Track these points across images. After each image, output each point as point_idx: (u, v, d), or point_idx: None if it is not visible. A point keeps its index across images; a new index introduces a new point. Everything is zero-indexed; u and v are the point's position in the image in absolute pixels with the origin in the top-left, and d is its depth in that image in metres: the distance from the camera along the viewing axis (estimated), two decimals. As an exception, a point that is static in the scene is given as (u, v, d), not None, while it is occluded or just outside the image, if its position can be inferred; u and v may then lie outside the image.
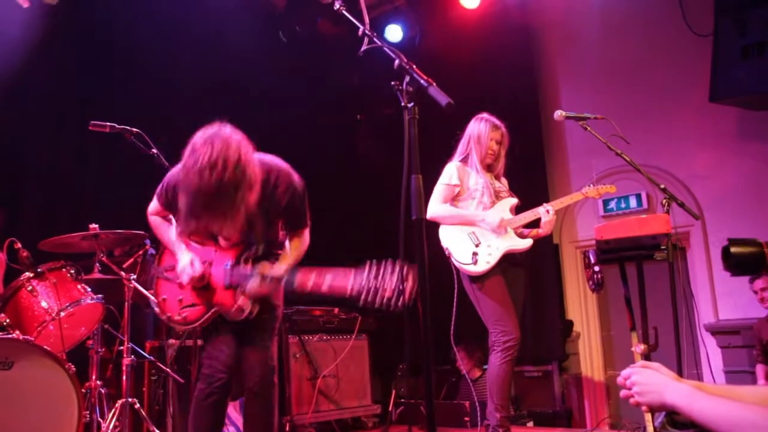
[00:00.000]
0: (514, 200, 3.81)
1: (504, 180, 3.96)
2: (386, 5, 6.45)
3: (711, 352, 4.11)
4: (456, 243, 3.62)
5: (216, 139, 2.23)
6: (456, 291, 3.66)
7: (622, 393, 1.40)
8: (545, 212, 3.68)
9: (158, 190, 2.74)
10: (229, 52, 5.42)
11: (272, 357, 2.72)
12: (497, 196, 3.76)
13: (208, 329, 2.72)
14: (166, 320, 2.75)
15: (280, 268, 2.51)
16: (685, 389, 1.26)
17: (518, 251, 3.65)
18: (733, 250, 1.65)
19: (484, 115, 3.88)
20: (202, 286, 2.62)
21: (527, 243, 3.65)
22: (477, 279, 3.56)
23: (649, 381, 1.33)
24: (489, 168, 3.84)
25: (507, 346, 3.48)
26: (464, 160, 3.79)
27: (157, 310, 2.78)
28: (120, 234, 3.46)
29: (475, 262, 3.54)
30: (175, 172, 2.61)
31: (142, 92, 4.95)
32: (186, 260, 2.61)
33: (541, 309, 5.73)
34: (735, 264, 1.64)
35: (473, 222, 3.64)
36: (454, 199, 3.73)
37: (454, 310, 3.68)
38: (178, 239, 2.72)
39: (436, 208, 3.68)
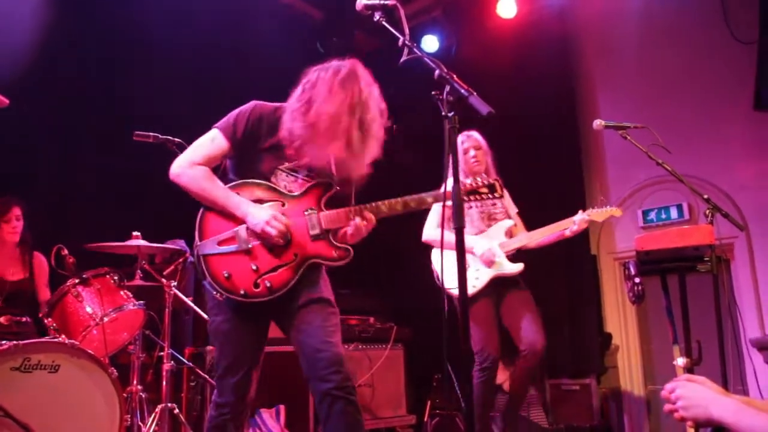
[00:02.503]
0: (510, 222, 3.80)
1: (505, 193, 3.90)
2: (423, 16, 6.49)
3: (758, 368, 3.98)
4: (445, 267, 3.62)
5: (363, 72, 2.28)
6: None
7: (666, 407, 1.37)
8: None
9: (225, 122, 2.38)
10: (267, 63, 5.52)
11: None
12: (491, 219, 3.75)
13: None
14: (241, 298, 2.26)
15: (374, 204, 2.35)
16: (733, 404, 1.23)
17: (506, 275, 3.65)
18: None
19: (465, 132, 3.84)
20: (283, 243, 2.30)
21: (517, 267, 3.68)
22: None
23: (695, 395, 1.30)
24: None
25: (482, 368, 3.55)
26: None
27: (218, 293, 2.28)
28: (161, 247, 3.54)
29: None
30: (258, 104, 2.41)
31: (182, 103, 5.07)
32: (265, 213, 2.25)
33: (578, 321, 5.65)
34: None
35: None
36: (448, 220, 3.69)
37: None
38: (234, 194, 2.32)
39: (430, 231, 3.73)
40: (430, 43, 6.40)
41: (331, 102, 2.19)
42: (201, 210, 2.36)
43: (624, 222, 5.87)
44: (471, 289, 3.56)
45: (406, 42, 1.92)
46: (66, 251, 3.39)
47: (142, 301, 3.52)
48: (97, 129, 4.87)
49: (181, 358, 3.88)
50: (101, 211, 4.76)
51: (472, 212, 3.72)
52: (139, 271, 3.63)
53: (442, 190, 2.03)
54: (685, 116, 5.46)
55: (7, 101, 2.67)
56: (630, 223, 5.81)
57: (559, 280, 5.75)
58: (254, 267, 2.28)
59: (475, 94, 1.63)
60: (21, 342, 2.77)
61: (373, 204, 2.35)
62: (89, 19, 4.83)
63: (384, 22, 2.04)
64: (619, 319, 5.85)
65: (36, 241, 3.98)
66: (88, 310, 3.31)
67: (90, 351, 2.98)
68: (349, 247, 2.36)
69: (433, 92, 1.71)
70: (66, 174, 4.75)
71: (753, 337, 4.86)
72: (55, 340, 3.00)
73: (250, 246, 2.28)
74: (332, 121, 2.18)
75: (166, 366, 3.46)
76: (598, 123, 3.57)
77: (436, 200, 2.36)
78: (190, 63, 5.26)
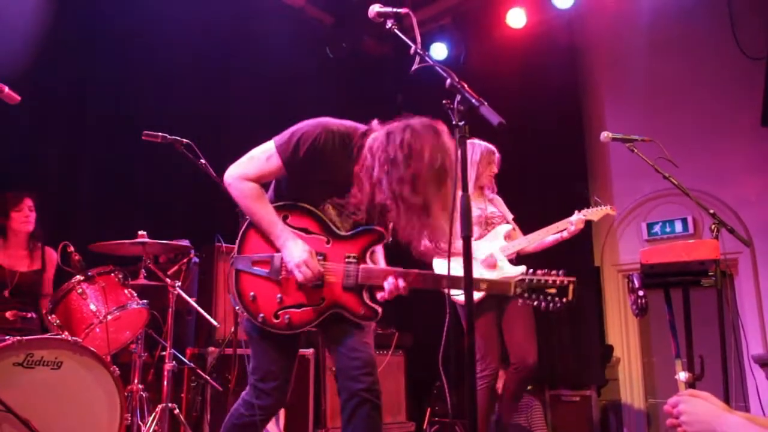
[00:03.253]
0: (508, 227, 3.80)
1: (499, 199, 3.91)
2: (432, 23, 6.51)
3: (760, 384, 3.97)
4: (445, 272, 3.60)
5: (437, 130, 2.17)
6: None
7: (669, 422, 1.36)
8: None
9: (285, 143, 2.23)
10: (277, 66, 5.55)
11: None
12: (489, 224, 3.75)
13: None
14: (259, 323, 2.24)
15: (420, 273, 2.24)
16: (738, 421, 1.23)
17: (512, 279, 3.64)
18: None
19: (475, 140, 3.81)
20: (314, 284, 2.24)
21: (519, 270, 3.65)
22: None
23: (699, 411, 1.30)
24: (480, 188, 3.82)
25: (482, 375, 3.56)
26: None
27: (240, 309, 2.27)
28: (166, 245, 3.55)
29: None
30: (327, 129, 2.24)
31: (191, 105, 5.09)
32: (300, 255, 2.18)
33: (580, 332, 5.63)
34: None
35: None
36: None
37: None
38: (279, 221, 2.24)
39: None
40: (439, 51, 6.43)
41: (428, 160, 2.10)
42: (246, 223, 2.33)
43: (628, 234, 5.87)
44: (475, 296, 3.54)
45: (418, 50, 1.92)
46: (72, 248, 3.40)
47: (145, 300, 3.52)
48: (103, 128, 4.90)
49: (182, 358, 3.88)
50: (106, 211, 4.78)
51: (473, 219, 3.71)
52: (143, 270, 3.64)
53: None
54: (691, 130, 5.47)
55: (19, 98, 2.68)
56: (634, 235, 5.81)
57: (561, 290, 5.72)
58: (280, 298, 2.25)
59: (486, 104, 1.63)
60: (24, 338, 2.77)
61: (416, 272, 2.26)
62: (97, 18, 4.85)
63: (396, 30, 2.05)
64: (621, 331, 5.83)
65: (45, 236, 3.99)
66: (92, 307, 3.32)
67: (92, 348, 2.98)
68: (378, 309, 2.27)
69: (444, 101, 1.71)
70: (72, 173, 4.77)
71: (756, 353, 4.85)
72: (58, 336, 3.00)
73: (280, 277, 2.25)
74: (423, 179, 2.10)
75: (168, 366, 3.46)
76: (605, 135, 3.57)
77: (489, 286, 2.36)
78: (198, 64, 5.30)
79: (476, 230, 3.71)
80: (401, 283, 2.22)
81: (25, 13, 4.37)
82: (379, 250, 2.47)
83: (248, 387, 2.37)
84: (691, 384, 3.03)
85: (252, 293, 2.25)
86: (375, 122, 2.29)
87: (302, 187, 2.30)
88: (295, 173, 2.27)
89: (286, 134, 2.27)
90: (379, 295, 2.26)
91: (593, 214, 3.85)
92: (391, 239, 2.33)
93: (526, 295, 2.22)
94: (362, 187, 2.19)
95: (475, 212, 3.71)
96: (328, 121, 2.29)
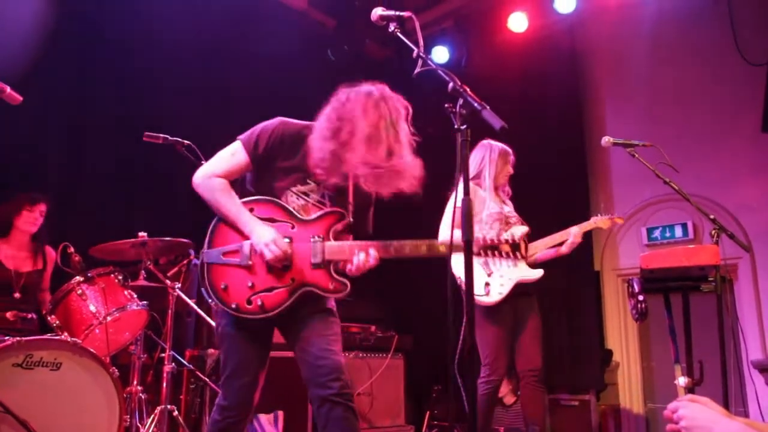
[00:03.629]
0: (525, 228, 3.78)
1: (509, 203, 3.91)
2: (434, 27, 6.52)
3: (759, 389, 3.96)
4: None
5: (391, 94, 2.31)
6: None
7: (669, 427, 1.36)
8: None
9: (248, 137, 2.40)
10: (278, 69, 5.56)
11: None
12: (507, 222, 3.74)
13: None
14: (233, 312, 2.29)
15: (382, 243, 2.30)
16: (738, 426, 1.22)
17: (529, 281, 3.64)
18: None
19: (491, 140, 3.84)
20: (283, 266, 2.31)
21: (538, 273, 3.65)
22: (486, 309, 3.54)
23: (698, 416, 1.29)
24: (496, 188, 3.82)
25: (489, 380, 3.52)
26: (475, 179, 3.76)
27: (214, 302, 2.32)
28: (167, 242, 3.55)
29: (487, 293, 3.53)
30: (284, 122, 2.42)
31: (192, 107, 5.10)
32: (268, 235, 2.27)
33: (579, 336, 5.63)
34: None
35: None
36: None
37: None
38: (245, 210, 2.35)
39: (447, 233, 3.67)
40: (441, 54, 6.43)
41: (364, 121, 2.22)
42: (215, 219, 2.41)
43: (628, 239, 5.87)
44: (497, 296, 3.52)
45: (421, 54, 1.93)
46: (72, 249, 3.41)
47: (145, 302, 3.52)
48: (104, 129, 4.90)
49: (181, 360, 3.88)
50: (107, 212, 4.78)
51: (490, 213, 3.69)
52: (143, 271, 3.64)
53: (451, 199, 2.00)
54: (692, 135, 5.47)
55: (20, 98, 2.69)
56: (634, 240, 5.81)
57: (561, 294, 5.74)
58: (250, 284, 2.30)
59: (488, 108, 1.63)
60: (24, 338, 2.78)
61: (382, 243, 2.32)
62: (98, 20, 4.87)
63: (398, 33, 2.06)
64: (621, 335, 5.83)
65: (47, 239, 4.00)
66: (92, 308, 3.32)
67: (92, 350, 2.98)
68: (347, 282, 2.32)
69: (446, 105, 1.72)
70: (73, 173, 4.78)
71: (755, 358, 4.84)
72: (58, 337, 3.01)
73: (250, 263, 2.30)
74: (366, 139, 2.20)
75: (167, 367, 3.45)
76: (606, 140, 3.57)
77: (448, 249, 2.32)
78: (200, 67, 5.31)
79: (497, 226, 3.68)
80: (362, 256, 2.27)
81: (26, 14, 4.38)
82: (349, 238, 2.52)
83: (220, 391, 2.41)
84: (690, 389, 3.03)
85: (223, 284, 2.31)
86: None
87: (265, 179, 2.41)
88: (258, 166, 2.40)
89: (248, 131, 2.44)
90: (347, 268, 2.31)
91: (603, 222, 3.87)
92: (351, 219, 2.41)
93: (481, 252, 2.26)
94: (316, 163, 2.33)
95: (495, 209, 3.69)
96: (287, 118, 2.47)
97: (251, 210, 2.36)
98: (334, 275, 2.32)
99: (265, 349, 2.43)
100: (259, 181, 2.43)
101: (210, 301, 2.32)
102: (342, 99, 2.32)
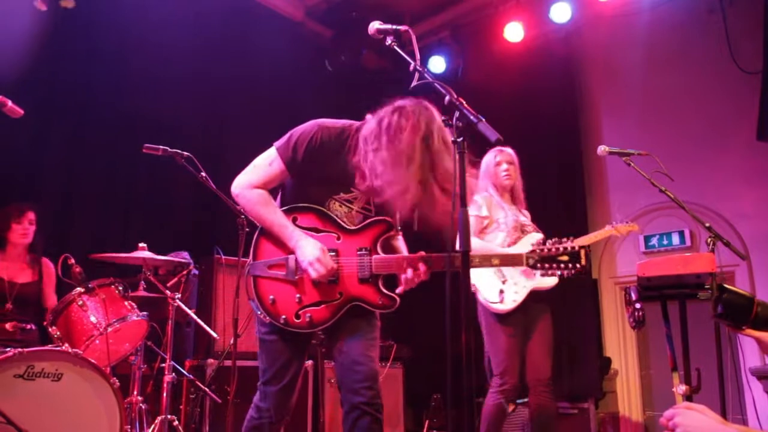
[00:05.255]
0: (540, 235, 3.78)
1: (527, 212, 3.94)
2: (430, 37, 6.57)
3: (757, 397, 3.97)
4: (482, 279, 3.60)
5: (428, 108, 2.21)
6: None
7: (665, 434, 1.38)
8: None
9: (285, 144, 2.31)
10: (276, 79, 5.60)
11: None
12: (523, 231, 3.75)
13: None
14: (282, 325, 2.27)
15: (428, 257, 2.24)
16: (733, 433, 1.24)
17: (544, 289, 3.64)
18: (725, 295, 1.70)
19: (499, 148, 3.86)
20: (329, 280, 2.28)
21: (553, 281, 3.63)
22: (499, 316, 3.54)
23: (695, 423, 1.31)
24: (511, 196, 3.83)
25: (502, 389, 3.49)
26: (483, 190, 3.78)
27: (261, 314, 2.29)
28: (165, 260, 3.56)
29: (501, 300, 3.53)
30: (322, 126, 2.31)
31: (190, 116, 5.13)
32: (313, 252, 2.21)
33: (578, 345, 5.63)
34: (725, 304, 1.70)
35: None
36: (481, 231, 3.70)
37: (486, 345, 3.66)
38: (288, 222, 2.28)
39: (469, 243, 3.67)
40: (437, 64, 6.48)
41: (413, 148, 2.15)
42: (258, 231, 2.37)
43: (625, 247, 5.89)
44: (512, 304, 3.52)
45: (418, 67, 1.96)
46: (73, 260, 3.42)
47: (145, 312, 3.53)
48: (103, 139, 4.92)
49: (181, 370, 3.88)
50: (106, 221, 4.80)
51: (507, 220, 3.70)
52: (143, 282, 3.66)
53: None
54: (688, 144, 5.51)
55: (22, 112, 2.71)
56: (631, 248, 5.83)
57: (559, 302, 5.73)
58: (298, 297, 2.28)
59: (484, 120, 1.66)
60: (25, 350, 2.79)
61: (430, 256, 2.28)
62: (96, 30, 4.89)
63: (395, 47, 2.08)
64: (619, 343, 5.84)
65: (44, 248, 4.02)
66: (92, 319, 3.33)
67: (93, 360, 2.99)
68: (396, 297, 2.30)
69: (442, 117, 1.74)
70: (72, 183, 4.79)
71: (752, 366, 4.85)
72: (59, 348, 3.02)
73: (296, 277, 2.28)
74: (412, 167, 2.14)
75: (167, 378, 3.46)
76: (602, 149, 3.60)
77: (503, 263, 2.39)
78: (198, 77, 5.34)
79: (512, 235, 3.68)
80: (410, 273, 2.24)
81: (25, 24, 4.41)
82: (400, 240, 2.50)
83: (257, 391, 2.42)
84: (688, 397, 3.04)
85: (271, 297, 2.28)
86: (368, 116, 2.35)
87: (306, 187, 2.35)
88: (297, 174, 2.33)
89: (284, 138, 2.35)
90: (398, 290, 2.29)
91: (621, 228, 3.88)
92: (400, 227, 2.38)
93: (539, 265, 2.27)
94: (363, 176, 2.26)
95: (511, 217, 3.70)
96: (324, 120, 2.37)
97: (294, 219, 2.32)
98: (383, 290, 2.30)
99: (302, 354, 2.42)
100: (299, 188, 2.37)
101: (259, 313, 2.31)
102: (394, 124, 2.21)
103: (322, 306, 2.28)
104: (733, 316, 1.67)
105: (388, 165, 2.15)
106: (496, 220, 3.68)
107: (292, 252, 2.28)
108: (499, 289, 3.55)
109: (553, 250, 2.26)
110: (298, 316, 2.26)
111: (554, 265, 2.27)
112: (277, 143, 2.35)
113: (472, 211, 3.66)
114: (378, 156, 2.17)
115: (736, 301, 1.62)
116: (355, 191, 2.34)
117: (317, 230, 2.31)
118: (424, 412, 5.30)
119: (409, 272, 2.24)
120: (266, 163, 2.34)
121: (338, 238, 2.32)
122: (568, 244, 2.28)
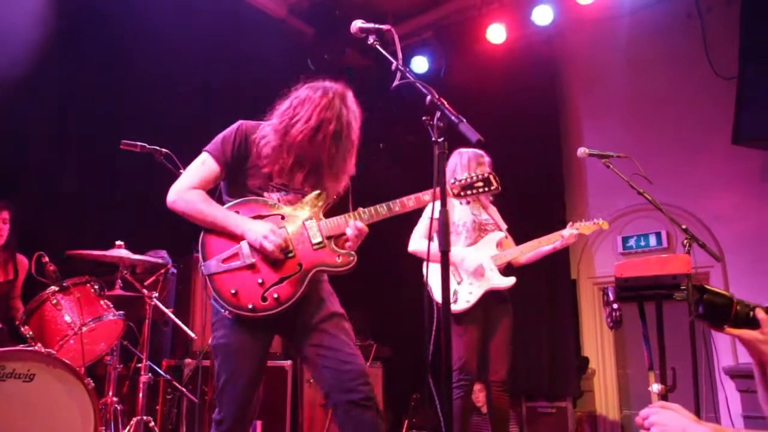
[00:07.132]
0: (501, 234, 3.81)
1: (493, 209, 3.95)
2: (413, 37, 6.58)
3: (730, 395, 4.04)
4: (437, 279, 3.59)
5: (339, 91, 2.38)
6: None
7: (641, 433, 1.39)
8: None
9: (213, 146, 2.41)
10: (258, 77, 5.55)
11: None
12: (483, 230, 3.77)
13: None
14: (250, 313, 2.23)
15: (367, 210, 2.40)
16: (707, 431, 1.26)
17: (500, 289, 3.67)
18: (706, 296, 1.73)
19: (462, 148, 3.84)
20: (286, 255, 2.31)
21: (509, 281, 3.69)
22: (455, 316, 3.58)
23: (669, 422, 1.33)
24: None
25: (459, 384, 3.55)
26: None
27: (227, 310, 2.26)
28: (143, 260, 3.52)
29: (455, 301, 3.56)
30: (244, 123, 2.46)
31: (171, 114, 5.07)
32: (263, 228, 2.27)
33: (556, 344, 5.69)
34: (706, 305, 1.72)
35: (453, 262, 3.63)
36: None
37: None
38: (232, 213, 2.34)
39: (419, 243, 3.71)
40: (420, 64, 6.49)
41: (313, 122, 2.29)
42: (201, 233, 2.36)
43: (604, 248, 5.96)
44: (464, 304, 3.57)
45: (399, 67, 1.96)
46: (47, 258, 3.36)
47: (121, 312, 3.48)
48: (82, 136, 4.85)
49: (158, 370, 3.84)
50: (83, 218, 4.72)
51: (466, 222, 3.72)
52: (119, 280, 3.61)
53: (427, 208, 2.03)
54: (666, 147, 5.59)
55: None
56: (609, 249, 5.90)
57: (538, 302, 5.80)
58: (260, 281, 2.27)
59: (465, 121, 1.66)
60: (-4, 349, 2.74)
61: (370, 208, 2.38)
62: (79, 27, 4.82)
63: (378, 46, 2.08)
64: (597, 343, 5.90)
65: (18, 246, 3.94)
66: (67, 319, 3.28)
67: (66, 361, 2.94)
68: (353, 252, 2.36)
69: (423, 117, 1.74)
70: (49, 180, 4.71)
71: (726, 365, 4.94)
72: (31, 348, 2.95)
73: (253, 261, 2.28)
74: (311, 141, 2.28)
75: (143, 378, 3.42)
76: (582, 151, 3.63)
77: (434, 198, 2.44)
78: (179, 74, 5.28)
79: (472, 235, 3.71)
80: (359, 224, 2.35)
81: (7, 18, 4.33)
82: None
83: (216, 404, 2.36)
84: (663, 396, 3.08)
85: (233, 289, 2.26)
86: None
87: (241, 180, 2.42)
88: (231, 169, 2.41)
89: (212, 141, 2.45)
90: (347, 245, 2.37)
91: (586, 227, 3.91)
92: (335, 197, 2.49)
93: (462, 194, 2.46)
94: (279, 153, 2.37)
95: (469, 218, 3.72)
96: (245, 120, 2.51)
97: (237, 213, 2.35)
98: (338, 250, 2.36)
99: (261, 359, 2.37)
100: (234, 185, 2.43)
101: (224, 311, 2.27)
102: (301, 96, 2.39)
103: (285, 282, 2.29)
104: (713, 316, 1.69)
105: (288, 138, 2.32)
106: (452, 222, 3.69)
107: (242, 240, 2.31)
108: (453, 289, 3.57)
109: (469, 179, 2.46)
110: (264, 299, 2.25)
111: (473, 191, 2.46)
112: (206, 146, 2.44)
113: (426, 213, 3.67)
114: (281, 132, 2.34)
115: (717, 301, 1.65)
116: (284, 176, 2.43)
117: (261, 216, 2.36)
118: (404, 411, 5.30)
119: (359, 224, 2.35)
120: (199, 164, 2.40)
121: (282, 218, 2.38)
122: (479, 171, 2.57)
